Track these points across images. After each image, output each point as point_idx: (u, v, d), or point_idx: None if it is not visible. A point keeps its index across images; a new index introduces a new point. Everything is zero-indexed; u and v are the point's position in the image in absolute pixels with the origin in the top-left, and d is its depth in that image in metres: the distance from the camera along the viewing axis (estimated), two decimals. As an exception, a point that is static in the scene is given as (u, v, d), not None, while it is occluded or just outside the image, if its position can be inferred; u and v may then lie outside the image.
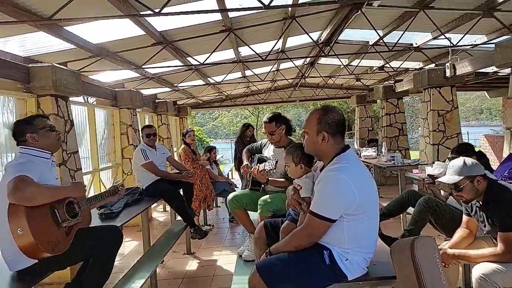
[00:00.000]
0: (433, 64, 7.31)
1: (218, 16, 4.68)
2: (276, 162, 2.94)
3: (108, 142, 6.68)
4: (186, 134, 5.97)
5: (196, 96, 11.12)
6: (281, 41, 6.13)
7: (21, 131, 2.26)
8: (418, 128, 23.69)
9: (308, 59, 8.42)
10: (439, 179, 2.55)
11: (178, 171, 4.90)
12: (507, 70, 6.33)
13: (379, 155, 6.89)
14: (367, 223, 1.78)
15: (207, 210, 6.14)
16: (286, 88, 11.97)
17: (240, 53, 6.63)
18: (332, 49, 6.69)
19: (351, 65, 8.52)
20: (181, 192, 4.60)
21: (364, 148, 8.20)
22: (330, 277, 1.78)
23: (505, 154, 4.64)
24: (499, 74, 7.50)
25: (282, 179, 3.16)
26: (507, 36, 5.75)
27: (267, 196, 3.09)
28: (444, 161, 4.16)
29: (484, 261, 2.28)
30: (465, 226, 2.73)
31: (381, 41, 6.11)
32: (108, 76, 6.78)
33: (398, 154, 6.40)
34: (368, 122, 10.82)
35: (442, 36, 5.98)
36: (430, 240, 1.75)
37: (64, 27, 3.97)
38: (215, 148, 6.68)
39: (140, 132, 5.53)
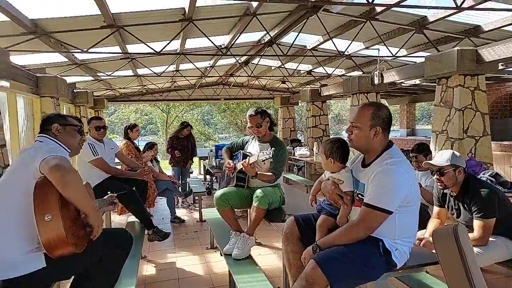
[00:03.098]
0: (361, 72, 8.04)
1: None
2: (274, 150, 2.92)
3: (28, 135, 5.76)
4: (133, 128, 5.50)
5: (116, 89, 10.29)
6: (178, 41, 5.98)
7: (51, 120, 2.14)
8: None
9: (243, 58, 8.48)
10: (427, 161, 2.85)
11: (130, 168, 4.50)
12: (410, 82, 7.33)
13: (318, 154, 7.30)
14: (414, 215, 1.91)
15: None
16: (211, 85, 11.86)
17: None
18: (272, 47, 6.86)
19: (282, 68, 8.85)
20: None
21: (297, 147, 8.60)
22: (384, 267, 1.86)
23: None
24: (403, 85, 8.61)
25: (270, 173, 3.18)
26: (424, 52, 6.66)
27: (260, 190, 3.06)
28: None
29: None
30: (436, 216, 3.09)
31: (318, 47, 6.54)
32: (27, 58, 5.86)
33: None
34: (290, 123, 11.37)
35: (373, 47, 6.66)
36: (464, 227, 1.95)
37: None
38: (156, 144, 6.27)
39: (87, 124, 4.93)
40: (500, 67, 5.02)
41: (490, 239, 2.64)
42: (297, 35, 5.77)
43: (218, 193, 3.23)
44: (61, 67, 6.75)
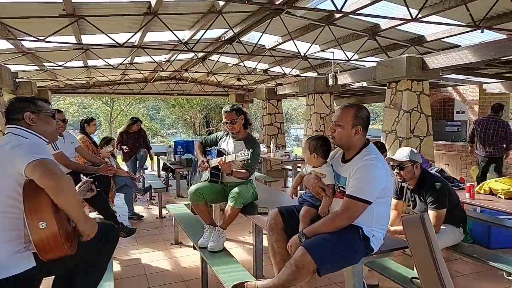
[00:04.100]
0: (315, 73, 8.42)
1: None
2: (252, 152, 3.03)
3: (-31, 128, 5.30)
4: (90, 121, 5.30)
5: (61, 80, 9.72)
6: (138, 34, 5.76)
7: (19, 107, 1.91)
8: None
9: (200, 54, 8.46)
10: (389, 157, 3.17)
11: (91, 163, 4.35)
12: (358, 84, 7.87)
13: (276, 150, 7.55)
14: (387, 205, 2.15)
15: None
16: (165, 80, 11.63)
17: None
18: (232, 45, 6.97)
19: (240, 65, 8.97)
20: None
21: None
22: (363, 252, 2.08)
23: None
24: (351, 86, 9.18)
25: (244, 171, 3.29)
26: (374, 57, 7.17)
27: (236, 189, 3.17)
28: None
29: None
30: (394, 208, 3.42)
31: (277, 47, 6.77)
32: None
33: (292, 150, 7.17)
34: (244, 120, 11.52)
35: (328, 50, 7.02)
36: (428, 216, 2.23)
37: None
38: (113, 139, 6.08)
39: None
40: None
41: (441, 227, 3.01)
42: (261, 35, 5.93)
43: (192, 188, 3.28)
44: (4, 55, 6.27)
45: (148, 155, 7.61)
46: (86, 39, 5.97)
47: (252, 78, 10.98)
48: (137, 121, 7.34)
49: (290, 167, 7.39)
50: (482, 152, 6.28)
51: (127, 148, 7.02)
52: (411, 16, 4.02)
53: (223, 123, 3.42)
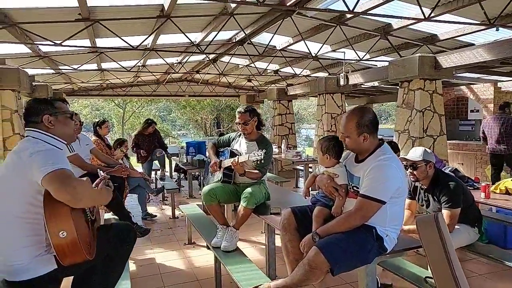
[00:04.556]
0: (326, 73, 8.40)
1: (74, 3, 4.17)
2: (265, 152, 3.05)
3: (-11, 130, 5.45)
4: (102, 124, 5.39)
5: (75, 82, 9.90)
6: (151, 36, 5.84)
7: (38, 110, 1.89)
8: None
9: (211, 56, 8.52)
10: (402, 157, 3.16)
11: (106, 165, 4.44)
12: (369, 83, 7.83)
13: (287, 151, 7.56)
14: (401, 205, 2.15)
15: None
16: (176, 81, 11.74)
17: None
18: (243, 46, 7.00)
19: (251, 66, 9.00)
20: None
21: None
22: (377, 252, 2.08)
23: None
24: (362, 86, 9.13)
25: (256, 171, 3.31)
26: (385, 57, 7.12)
27: (249, 189, 3.20)
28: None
29: None
30: (408, 207, 3.41)
31: (288, 47, 6.78)
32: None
33: (303, 150, 7.17)
34: (256, 121, 11.55)
35: (339, 50, 7.00)
36: (442, 215, 2.23)
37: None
38: (126, 141, 6.18)
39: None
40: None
41: (456, 226, 2.99)
42: (272, 36, 5.95)
43: (205, 188, 3.32)
44: (22, 59, 6.43)
45: (166, 155, 7.74)
46: (100, 42, 6.08)
47: (263, 79, 11.00)
48: (151, 124, 7.47)
49: (302, 168, 7.39)
50: (491, 149, 6.35)
51: (144, 153, 7.18)
52: (424, 16, 4.00)
53: (236, 123, 3.45)
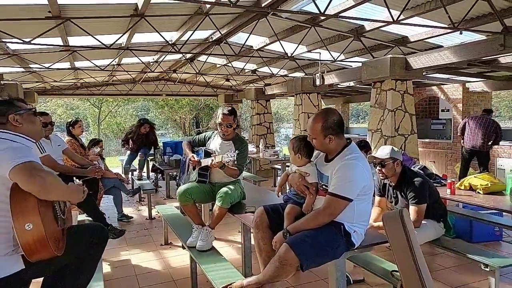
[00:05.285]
0: (303, 73, 8.52)
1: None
2: (238, 154, 3.10)
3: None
4: (75, 123, 5.29)
5: (48, 81, 9.65)
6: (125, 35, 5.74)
7: (2, 110, 1.88)
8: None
9: (188, 55, 8.48)
10: (371, 155, 3.28)
11: (79, 166, 4.37)
12: (345, 84, 8.01)
13: (265, 150, 7.62)
14: (368, 202, 2.24)
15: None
16: (153, 80, 11.61)
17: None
18: (220, 46, 7.02)
19: (229, 66, 9.02)
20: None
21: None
22: (345, 247, 2.16)
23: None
24: (339, 86, 9.31)
25: (235, 168, 3.35)
26: (359, 57, 7.29)
27: (224, 188, 3.23)
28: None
29: None
30: (377, 204, 3.53)
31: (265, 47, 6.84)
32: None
33: (280, 149, 7.26)
34: (234, 120, 11.58)
35: (315, 50, 7.11)
36: (407, 211, 2.33)
37: None
38: (101, 141, 6.09)
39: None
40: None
41: (423, 222, 3.12)
42: (248, 36, 5.99)
43: (181, 188, 3.33)
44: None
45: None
46: (73, 40, 5.96)
47: (240, 79, 11.03)
48: (143, 123, 7.35)
49: (279, 167, 7.48)
50: (469, 145, 6.95)
51: (133, 144, 7.30)
52: (393, 18, 4.12)
53: (218, 123, 3.44)
